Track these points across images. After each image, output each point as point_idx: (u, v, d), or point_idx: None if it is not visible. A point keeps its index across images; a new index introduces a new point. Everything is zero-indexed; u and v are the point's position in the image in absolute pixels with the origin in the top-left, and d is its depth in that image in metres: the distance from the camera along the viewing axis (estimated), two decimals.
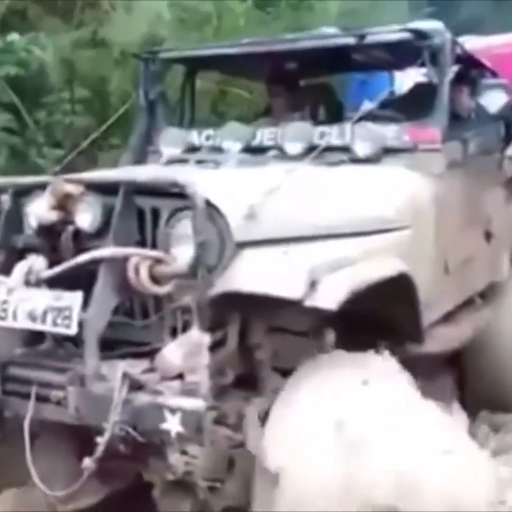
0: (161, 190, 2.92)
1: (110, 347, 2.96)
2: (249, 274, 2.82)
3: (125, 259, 2.84)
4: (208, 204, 2.83)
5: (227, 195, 2.96)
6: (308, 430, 2.74)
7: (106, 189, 2.97)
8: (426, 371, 3.94)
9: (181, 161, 3.77)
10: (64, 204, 2.95)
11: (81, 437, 2.89)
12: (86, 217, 2.95)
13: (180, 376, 2.76)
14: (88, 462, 2.70)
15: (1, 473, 3.29)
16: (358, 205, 3.37)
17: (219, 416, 2.82)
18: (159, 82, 4.53)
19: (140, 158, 4.41)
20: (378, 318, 3.25)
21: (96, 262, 2.87)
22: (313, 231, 3.10)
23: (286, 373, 3.02)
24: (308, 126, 3.95)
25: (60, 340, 3.04)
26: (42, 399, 2.86)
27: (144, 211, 2.98)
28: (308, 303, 2.73)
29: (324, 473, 2.66)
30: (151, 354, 2.87)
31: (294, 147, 3.86)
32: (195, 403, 2.66)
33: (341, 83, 5.81)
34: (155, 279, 2.85)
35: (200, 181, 2.89)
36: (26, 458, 2.82)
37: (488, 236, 4.37)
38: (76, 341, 2.93)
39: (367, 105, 4.45)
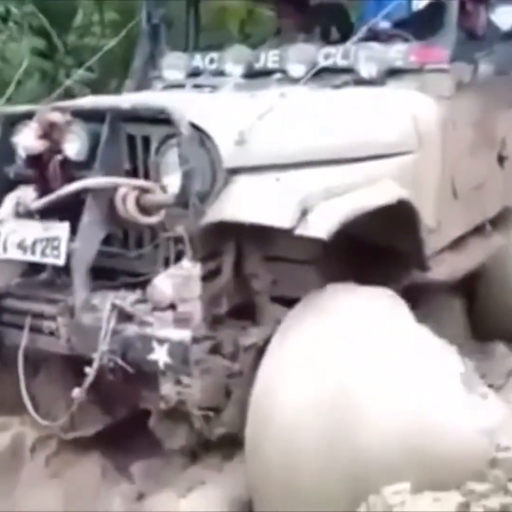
0: (151, 117, 2.85)
1: (106, 276, 2.94)
2: (240, 203, 2.76)
3: (113, 188, 2.78)
4: (198, 129, 2.77)
5: (218, 120, 2.89)
6: (304, 370, 2.72)
7: (93, 117, 2.92)
8: (434, 297, 3.81)
9: (179, 86, 3.67)
10: (50, 133, 2.89)
11: (79, 367, 2.86)
12: (73, 146, 2.91)
13: (172, 306, 2.73)
14: (77, 392, 2.71)
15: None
16: (357, 129, 3.25)
17: (214, 346, 2.79)
18: (162, 4, 4.36)
19: (144, 84, 4.26)
20: (383, 245, 3.19)
21: (84, 192, 2.82)
22: (308, 157, 3.00)
23: (286, 302, 2.97)
24: (312, 47, 3.80)
25: (57, 271, 3.01)
26: (36, 330, 2.88)
27: (135, 139, 2.91)
28: (299, 232, 2.67)
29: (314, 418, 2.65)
30: (145, 284, 2.83)
31: (297, 69, 3.71)
32: (182, 334, 2.64)
33: (356, 4, 5.50)
34: (144, 209, 2.79)
35: (189, 106, 2.83)
36: (20, 388, 2.85)
37: (501, 160, 4.19)
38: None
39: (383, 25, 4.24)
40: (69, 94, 5.59)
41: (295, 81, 3.69)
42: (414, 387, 2.71)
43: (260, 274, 2.95)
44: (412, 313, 2.97)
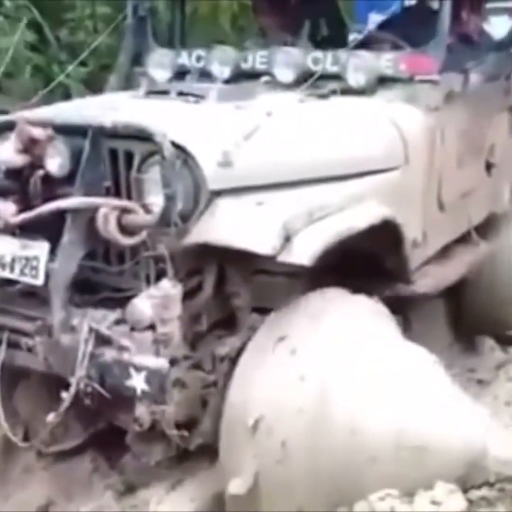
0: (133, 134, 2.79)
1: (86, 290, 2.91)
2: (223, 226, 2.75)
3: (94, 208, 2.73)
4: (181, 149, 2.73)
5: (202, 139, 2.84)
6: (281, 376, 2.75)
7: (75, 131, 2.85)
8: (419, 307, 3.80)
9: (163, 92, 3.52)
10: (31, 148, 2.82)
11: (56, 382, 2.83)
12: (54, 162, 2.83)
13: (152, 327, 2.69)
14: (52, 417, 2.69)
15: None
16: (344, 146, 3.21)
17: (193, 364, 2.82)
18: None
19: (129, 80, 4.18)
20: (368, 259, 3.19)
21: (64, 211, 2.77)
22: (293, 177, 2.98)
23: (263, 311, 2.97)
24: (301, 51, 3.73)
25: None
26: (14, 345, 2.84)
27: (117, 154, 2.86)
28: (281, 258, 2.67)
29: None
30: (126, 300, 2.79)
31: (285, 75, 3.67)
32: (159, 362, 2.62)
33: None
34: (126, 229, 2.74)
35: (172, 123, 2.80)
36: None
37: (489, 167, 4.18)
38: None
39: (375, 20, 4.19)
40: (64, 89, 5.65)
41: (282, 85, 3.66)
42: (396, 392, 2.74)
43: (241, 292, 2.95)
44: (394, 320, 3.02)
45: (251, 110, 3.19)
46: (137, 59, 4.20)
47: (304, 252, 2.65)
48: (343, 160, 3.15)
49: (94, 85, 5.63)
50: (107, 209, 2.70)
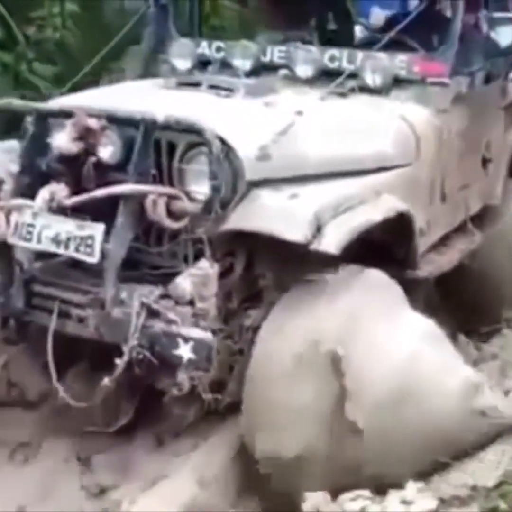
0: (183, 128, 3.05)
1: (129, 267, 3.15)
2: (259, 215, 3.00)
3: (143, 194, 3.00)
4: (224, 144, 2.99)
5: (242, 135, 3.10)
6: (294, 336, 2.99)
7: (127, 123, 3.09)
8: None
9: (193, 84, 3.72)
10: (86, 136, 3.05)
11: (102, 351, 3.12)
12: (107, 150, 3.07)
13: (191, 303, 2.96)
14: (106, 381, 2.92)
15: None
16: (364, 143, 3.50)
17: (227, 335, 3.09)
18: None
19: (151, 68, 4.41)
20: (378, 246, 3.44)
21: (117, 196, 3.04)
22: (321, 171, 3.26)
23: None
24: (318, 49, 4.00)
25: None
26: (64, 315, 3.08)
27: (160, 143, 3.10)
28: (313, 247, 2.93)
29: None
30: (165, 278, 3.07)
31: (304, 70, 3.94)
32: (205, 334, 2.91)
33: None
34: (172, 214, 3.02)
35: (215, 120, 3.05)
36: (50, 367, 3.05)
37: (485, 162, 4.45)
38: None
39: (377, 14, 4.42)
40: (33, 88, 5.67)
41: (301, 80, 3.94)
42: (403, 353, 3.03)
43: (267, 274, 3.22)
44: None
45: (280, 107, 3.50)
46: (160, 47, 4.41)
47: (332, 242, 2.93)
48: (364, 156, 3.45)
49: (63, 83, 5.50)
50: (155, 195, 2.98)
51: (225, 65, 4.15)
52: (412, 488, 2.84)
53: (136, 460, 3.38)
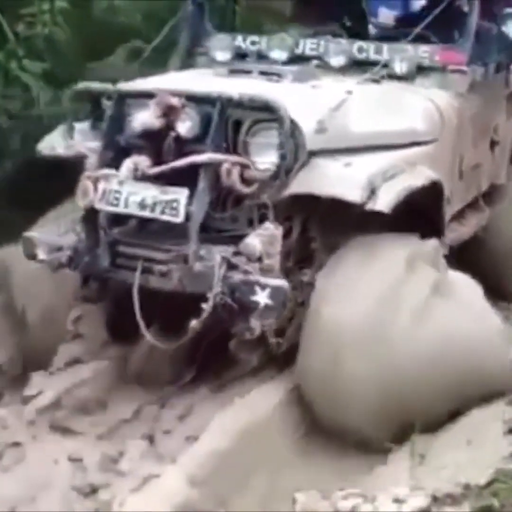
0: (244, 105, 3.44)
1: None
2: (319, 180, 3.43)
3: (219, 163, 3.38)
4: (290, 121, 3.44)
5: (301, 111, 3.50)
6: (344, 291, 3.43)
7: (202, 101, 3.47)
8: None
9: (244, 71, 4.12)
10: (167, 113, 3.42)
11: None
12: (185, 125, 3.42)
13: (259, 259, 3.36)
14: (194, 323, 3.30)
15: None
16: (401, 121, 4.00)
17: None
18: None
19: (189, 60, 4.82)
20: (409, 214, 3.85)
21: (193, 165, 3.41)
22: (366, 143, 3.70)
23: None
24: (348, 42, 4.50)
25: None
26: (147, 272, 3.44)
27: (228, 121, 3.52)
28: (369, 206, 3.39)
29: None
30: (230, 240, 3.46)
31: (337, 61, 4.42)
32: (281, 282, 3.34)
33: None
34: (242, 180, 3.44)
35: (282, 99, 3.48)
36: (137, 318, 3.40)
37: (493, 144, 4.90)
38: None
39: (385, 14, 4.84)
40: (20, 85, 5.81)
41: (334, 69, 4.42)
42: (450, 311, 3.43)
43: (317, 237, 3.67)
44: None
45: (326, 89, 3.95)
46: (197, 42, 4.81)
47: (385, 202, 3.39)
48: (400, 132, 3.93)
49: (52, 80, 5.74)
50: (229, 164, 3.38)
51: (262, 57, 4.57)
52: (404, 487, 2.90)
53: (195, 408, 3.65)
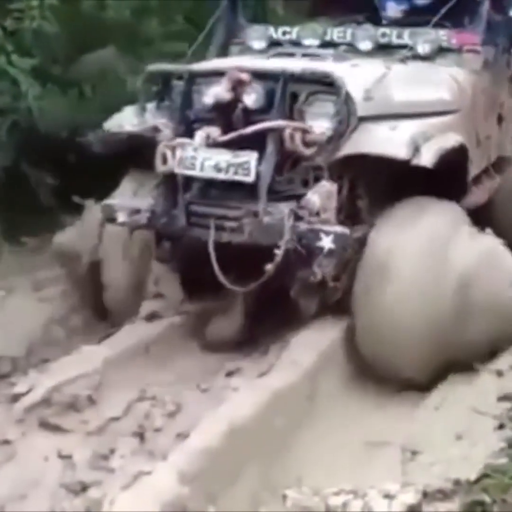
0: (311, 79, 3.97)
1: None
2: (369, 141, 3.91)
3: (282, 129, 3.83)
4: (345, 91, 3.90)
5: (351, 83, 3.97)
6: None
7: (267, 77, 3.96)
8: None
9: (288, 54, 4.68)
10: (236, 87, 3.90)
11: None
12: (251, 98, 3.90)
13: (317, 213, 3.82)
14: (269, 267, 3.74)
15: None
16: (432, 93, 4.52)
17: None
18: None
19: (224, 51, 5.25)
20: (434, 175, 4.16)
21: (258, 133, 3.87)
22: (404, 111, 4.19)
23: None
24: (373, 28, 5.00)
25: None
26: (219, 228, 3.90)
27: (286, 91, 3.94)
28: (414, 162, 3.86)
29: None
30: (289, 199, 3.92)
31: (365, 45, 4.89)
32: (343, 229, 3.84)
33: None
34: (305, 143, 3.85)
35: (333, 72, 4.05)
36: (214, 269, 3.84)
37: (500, 118, 5.34)
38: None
39: (392, 7, 5.39)
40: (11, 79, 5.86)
41: (362, 53, 4.89)
42: (489, 263, 3.93)
43: (363, 195, 4.12)
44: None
45: (365, 66, 4.44)
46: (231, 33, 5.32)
47: (428, 159, 3.88)
48: (431, 102, 4.46)
49: (41, 75, 5.75)
50: (291, 129, 3.83)
51: (295, 44, 4.99)
52: (394, 483, 2.94)
53: (185, 405, 3.76)
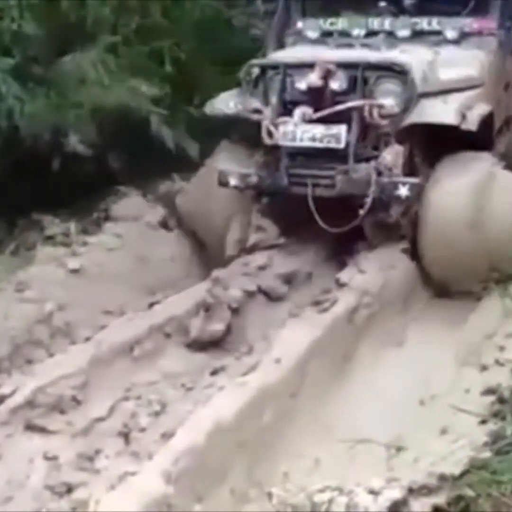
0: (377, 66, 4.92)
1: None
2: (428, 112, 4.84)
3: (363, 106, 4.75)
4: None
5: (411, 66, 4.88)
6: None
7: (348, 66, 4.86)
8: None
9: (349, 45, 5.47)
10: (325, 75, 4.78)
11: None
12: (337, 83, 4.79)
13: (390, 170, 4.73)
14: (361, 212, 4.58)
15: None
16: (464, 71, 5.24)
17: None
18: None
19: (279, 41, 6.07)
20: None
21: (343, 110, 4.74)
22: (447, 87, 5.05)
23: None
24: (409, 18, 5.62)
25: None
26: (314, 185, 4.81)
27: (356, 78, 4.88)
28: (463, 126, 4.73)
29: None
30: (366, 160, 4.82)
31: (403, 33, 5.58)
32: (416, 179, 4.78)
33: None
34: (381, 116, 4.77)
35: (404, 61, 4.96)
36: (314, 215, 4.65)
37: (507, 86, 6.00)
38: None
39: None
40: None
41: (400, 39, 5.51)
42: None
43: (418, 154, 5.02)
44: None
45: (413, 51, 5.18)
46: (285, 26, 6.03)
47: (472, 123, 4.74)
48: (466, 79, 5.21)
49: (21, 76, 5.66)
50: (370, 106, 4.74)
51: (342, 34, 5.74)
52: (379, 479, 2.96)
53: (170, 405, 3.75)
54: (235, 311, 4.43)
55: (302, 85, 4.88)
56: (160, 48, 6.59)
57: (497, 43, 5.64)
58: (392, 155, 4.82)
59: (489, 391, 3.54)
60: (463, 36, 5.56)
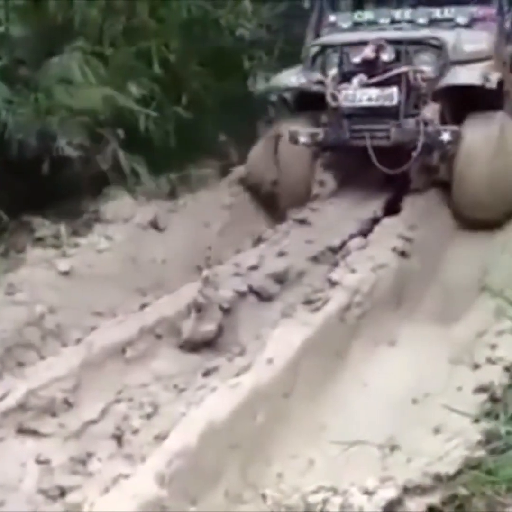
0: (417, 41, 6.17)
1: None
2: (459, 76, 5.98)
3: (407, 73, 5.92)
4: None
5: (444, 41, 6.09)
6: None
7: (394, 42, 6.03)
8: None
9: (382, 29, 6.54)
10: (377, 49, 5.94)
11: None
12: (386, 55, 5.94)
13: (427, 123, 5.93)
14: (414, 155, 5.69)
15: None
16: (479, 46, 6.27)
17: None
18: None
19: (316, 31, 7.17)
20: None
21: (392, 76, 5.91)
22: (468, 57, 6.14)
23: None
24: (427, 8, 6.67)
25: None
26: (372, 137, 5.93)
27: (401, 51, 6.09)
28: (487, 86, 5.90)
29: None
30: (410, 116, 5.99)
31: (423, 20, 6.64)
32: (457, 127, 5.88)
33: None
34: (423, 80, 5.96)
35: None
36: (373, 161, 5.79)
37: (504, 63, 6.78)
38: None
39: None
40: None
41: (421, 25, 6.56)
42: None
43: (448, 111, 6.09)
44: None
45: (439, 32, 6.26)
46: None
47: (494, 84, 5.92)
48: (480, 52, 6.24)
49: (8, 77, 5.78)
50: (414, 72, 5.91)
51: (371, 23, 6.79)
52: (374, 479, 2.97)
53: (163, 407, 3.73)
54: (226, 311, 4.44)
55: (357, 58, 6.01)
56: (148, 49, 6.61)
57: (498, 26, 6.68)
58: (431, 111, 5.96)
59: (482, 389, 3.54)
60: (472, 21, 6.61)
